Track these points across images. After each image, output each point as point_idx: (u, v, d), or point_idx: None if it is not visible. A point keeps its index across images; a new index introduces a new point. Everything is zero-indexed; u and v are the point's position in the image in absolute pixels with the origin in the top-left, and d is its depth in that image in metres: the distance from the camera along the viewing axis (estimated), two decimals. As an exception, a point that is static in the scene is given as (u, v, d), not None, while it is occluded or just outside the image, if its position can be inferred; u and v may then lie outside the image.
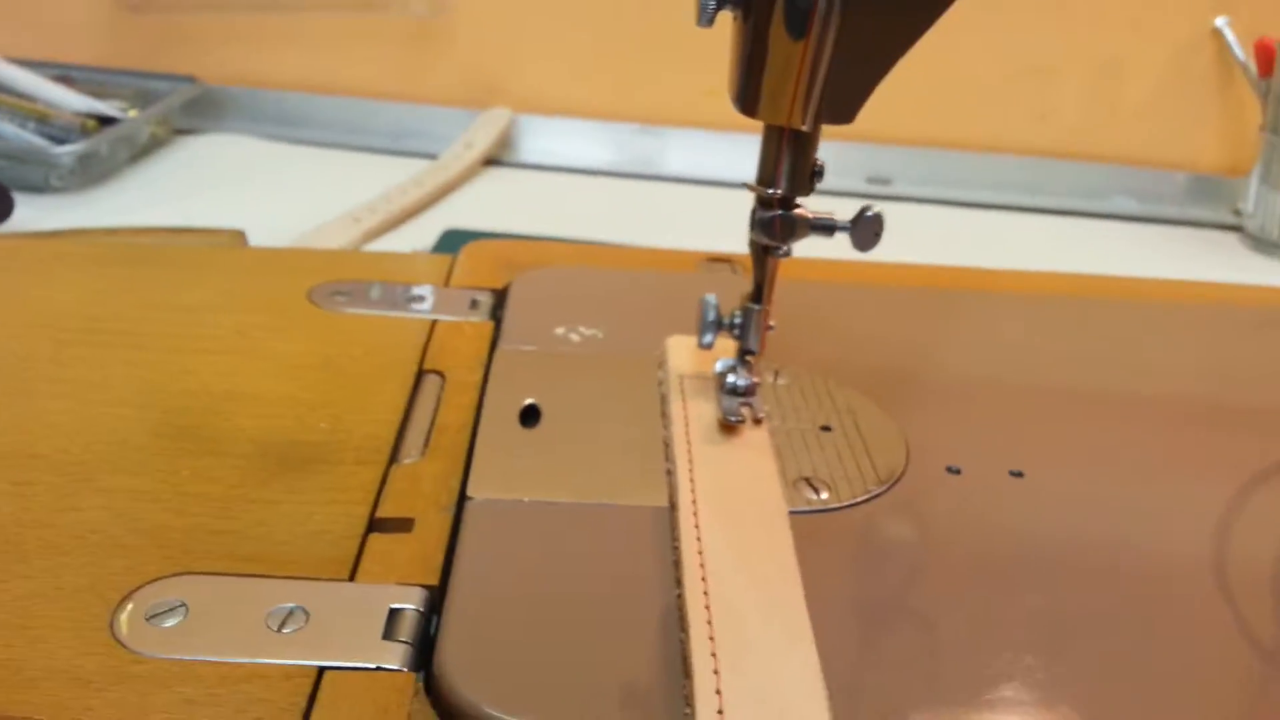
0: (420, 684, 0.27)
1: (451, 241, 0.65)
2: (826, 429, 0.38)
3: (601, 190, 0.79)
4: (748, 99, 0.32)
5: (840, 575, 0.31)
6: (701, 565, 0.30)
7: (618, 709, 0.26)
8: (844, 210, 0.34)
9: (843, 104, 0.31)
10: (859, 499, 0.34)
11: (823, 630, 0.27)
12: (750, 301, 0.37)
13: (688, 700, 0.26)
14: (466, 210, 0.73)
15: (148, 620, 0.28)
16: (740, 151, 0.80)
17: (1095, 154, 0.82)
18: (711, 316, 0.37)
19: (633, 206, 0.76)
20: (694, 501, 0.32)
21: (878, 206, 0.34)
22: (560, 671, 0.27)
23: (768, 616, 0.28)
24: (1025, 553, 0.32)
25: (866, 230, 0.34)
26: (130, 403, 0.37)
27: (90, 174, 0.71)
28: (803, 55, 0.30)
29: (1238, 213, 0.79)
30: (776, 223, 0.34)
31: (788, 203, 0.34)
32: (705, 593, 0.29)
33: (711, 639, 0.27)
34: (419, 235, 0.68)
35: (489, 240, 0.52)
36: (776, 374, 0.40)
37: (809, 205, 0.34)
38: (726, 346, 0.37)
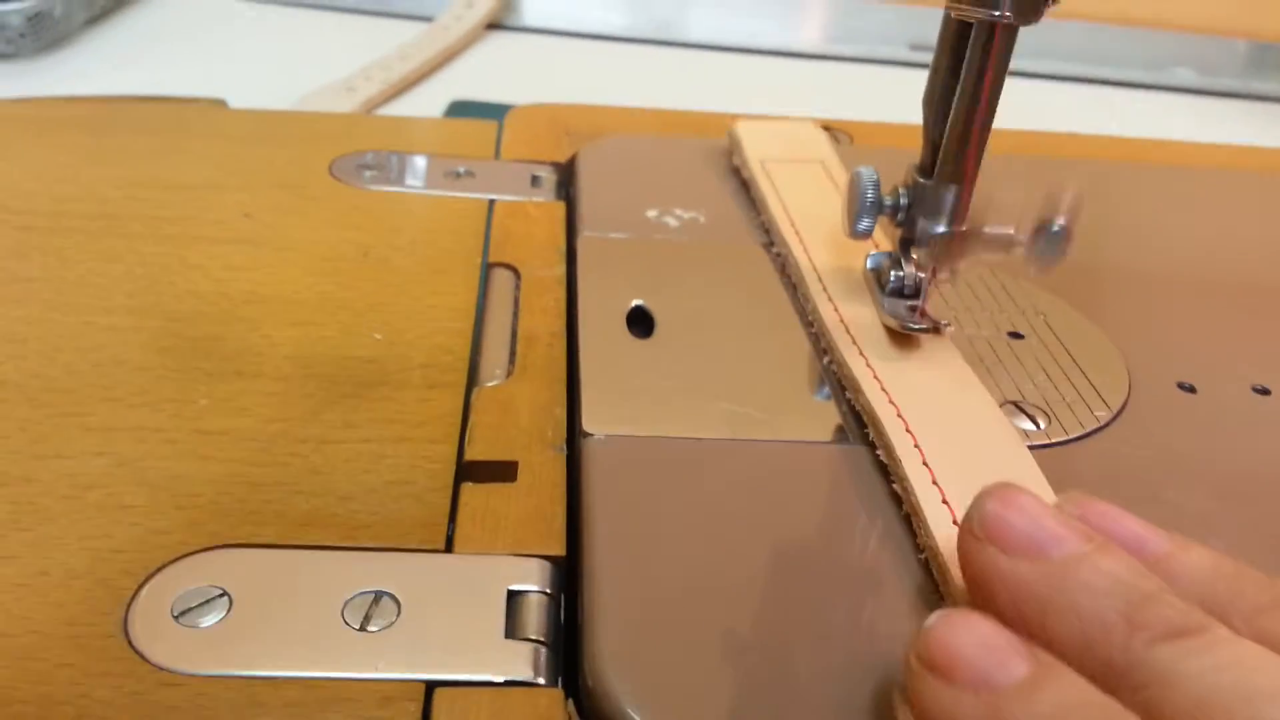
0: (571, 708, 0.19)
1: (462, 114, 0.56)
2: (1017, 335, 0.30)
3: (616, 58, 0.69)
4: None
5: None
6: (946, 502, 0.22)
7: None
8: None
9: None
10: (1089, 430, 0.26)
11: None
12: (919, 175, 0.28)
13: None
14: (470, 80, 0.63)
15: (178, 619, 0.20)
16: (766, 13, 0.72)
17: (1155, 20, 0.73)
18: (872, 196, 0.29)
19: (651, 76, 0.67)
20: (914, 442, 0.24)
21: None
22: (767, 681, 0.19)
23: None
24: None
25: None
26: (120, 308, 0.28)
27: (43, 37, 0.60)
28: None
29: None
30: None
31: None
32: None
33: None
34: (422, 107, 0.58)
35: (537, 105, 0.43)
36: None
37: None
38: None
